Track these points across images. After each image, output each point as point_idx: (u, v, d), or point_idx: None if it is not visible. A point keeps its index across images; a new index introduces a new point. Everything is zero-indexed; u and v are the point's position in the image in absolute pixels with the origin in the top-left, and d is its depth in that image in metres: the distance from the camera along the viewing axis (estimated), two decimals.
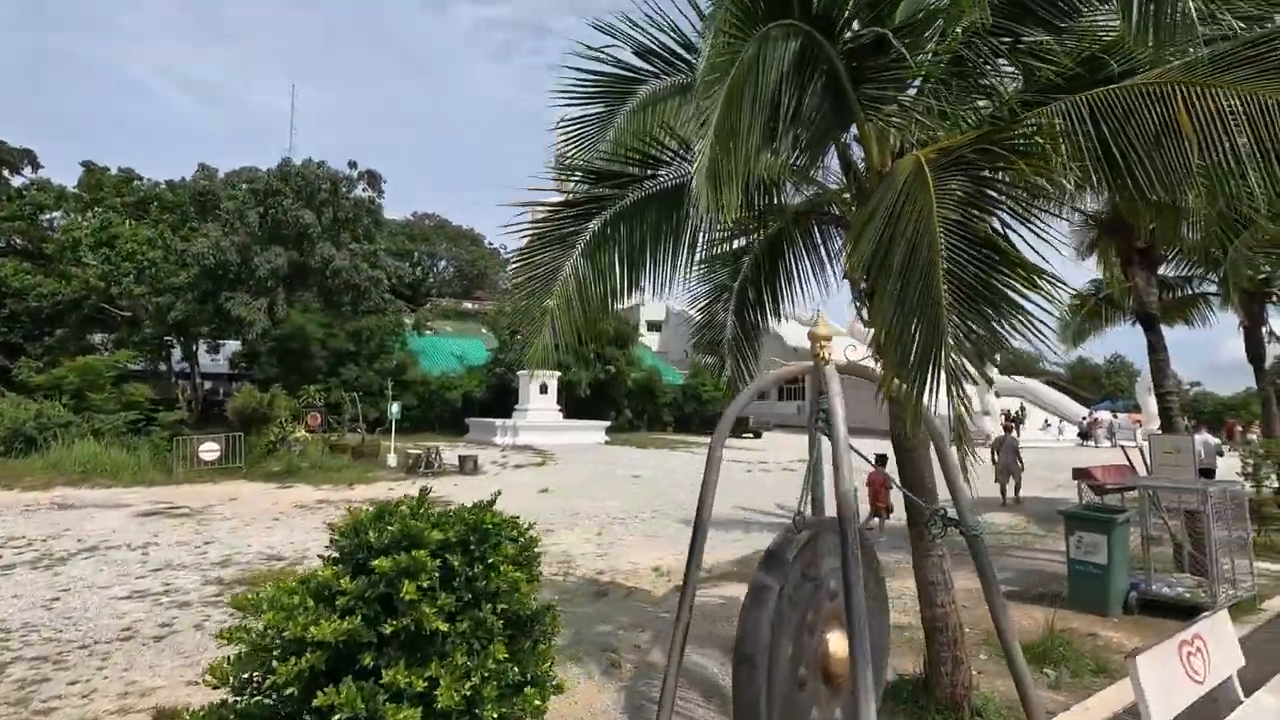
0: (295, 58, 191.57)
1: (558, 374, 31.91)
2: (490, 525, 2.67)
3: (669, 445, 29.50)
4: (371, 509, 2.70)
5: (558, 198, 5.64)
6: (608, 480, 16.80)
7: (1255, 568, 7.98)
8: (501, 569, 2.54)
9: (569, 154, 5.74)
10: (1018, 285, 3.22)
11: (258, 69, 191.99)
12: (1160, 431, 8.78)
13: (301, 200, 32.39)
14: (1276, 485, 11.49)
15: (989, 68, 4.35)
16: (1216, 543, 6.97)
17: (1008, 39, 4.24)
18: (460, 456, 18.17)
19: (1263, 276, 11.67)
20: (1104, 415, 40.39)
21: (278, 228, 32.22)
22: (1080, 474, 7.45)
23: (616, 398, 38.43)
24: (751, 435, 37.91)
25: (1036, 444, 31.13)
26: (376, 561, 2.30)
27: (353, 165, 33.76)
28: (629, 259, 5.20)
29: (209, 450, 18.17)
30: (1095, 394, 56.99)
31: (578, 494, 14.38)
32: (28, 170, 39.15)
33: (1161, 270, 12.84)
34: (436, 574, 2.33)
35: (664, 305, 69.77)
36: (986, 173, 3.68)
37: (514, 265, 5.79)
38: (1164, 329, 14.15)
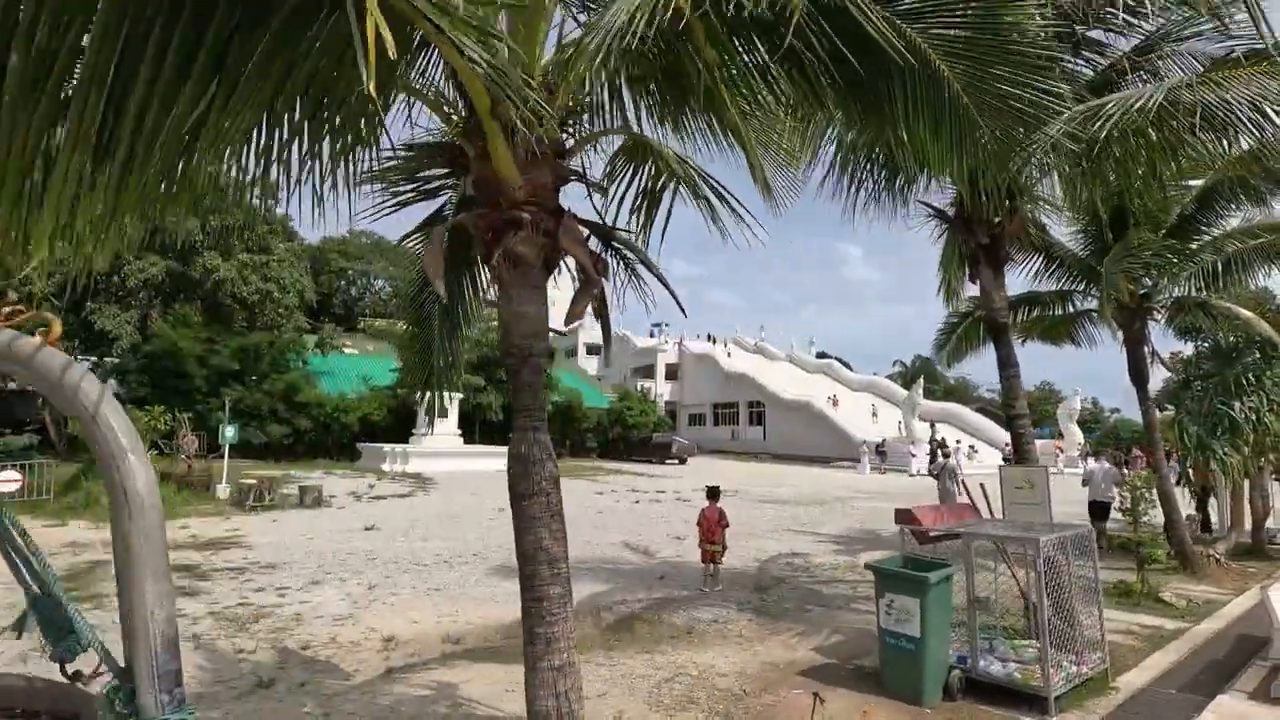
0: None
1: (459, 396, 29.81)
2: None
3: (582, 473, 27.65)
4: None
5: None
6: (463, 516, 14.91)
7: (1119, 627, 6.64)
8: None
9: None
10: None
11: None
12: (1012, 461, 7.44)
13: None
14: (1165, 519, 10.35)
15: None
16: (1059, 604, 5.56)
17: None
18: (301, 488, 16.04)
19: (1143, 291, 10.66)
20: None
21: (157, 235, 29.64)
22: (903, 516, 5.98)
23: None
24: (676, 461, 36.35)
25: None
26: None
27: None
28: None
29: (7, 480, 15.62)
30: None
31: (408, 533, 12.48)
32: None
33: (1044, 284, 11.82)
34: None
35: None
36: None
37: None
38: (1060, 348, 13.25)
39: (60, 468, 19.82)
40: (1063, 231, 11.18)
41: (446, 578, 9.06)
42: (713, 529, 8.87)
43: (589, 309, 4.36)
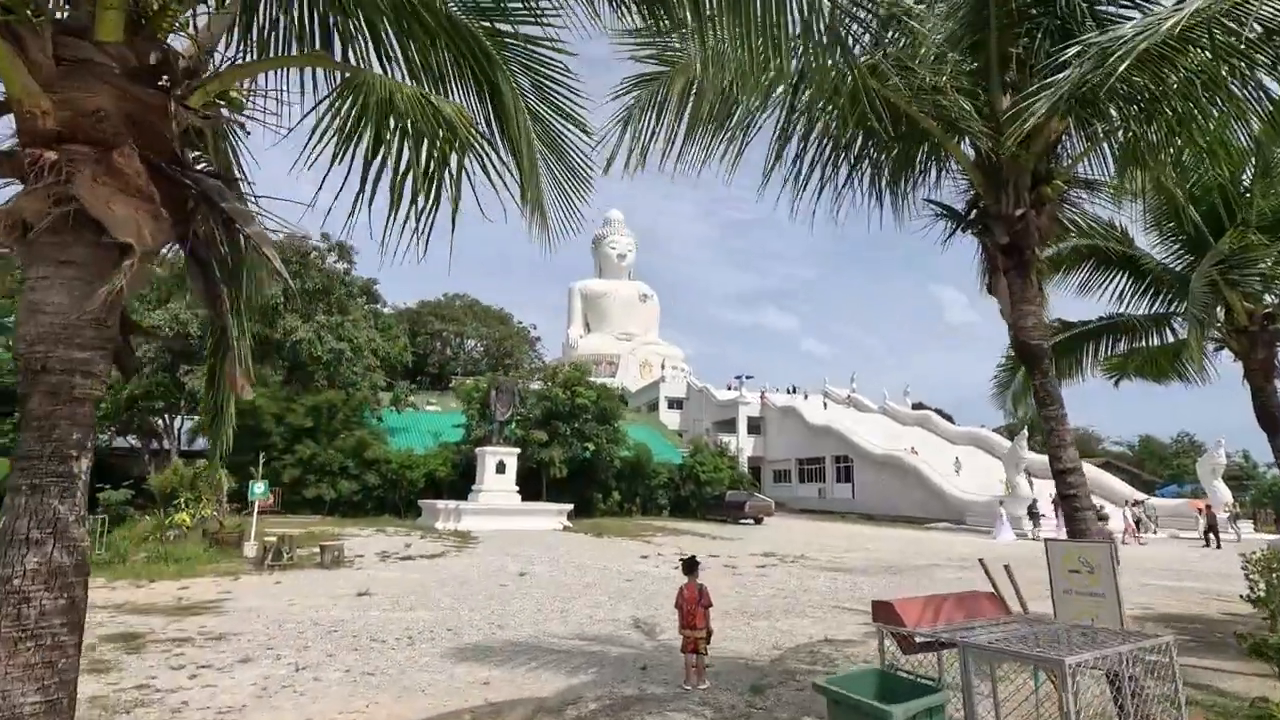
0: None
1: (516, 451, 29.32)
2: None
3: (640, 533, 26.08)
4: None
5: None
6: (476, 581, 13.83)
7: None
8: None
9: None
10: None
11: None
12: (1068, 535, 5.53)
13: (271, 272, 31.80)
14: None
15: None
16: None
17: None
18: (321, 547, 15.56)
19: (1266, 310, 8.28)
20: (1153, 501, 34.81)
21: (247, 300, 31.54)
22: (881, 611, 4.31)
23: (604, 479, 35.37)
24: (751, 521, 33.90)
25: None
26: None
27: (325, 237, 33.25)
28: None
29: None
30: (1162, 476, 50.37)
31: (398, 602, 11.51)
32: None
33: (1136, 306, 9.64)
34: None
35: (685, 381, 67.05)
36: None
37: None
38: (1156, 384, 10.75)
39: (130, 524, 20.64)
40: (1151, 239, 9.09)
41: (392, 659, 7.91)
42: (693, 612, 7.28)
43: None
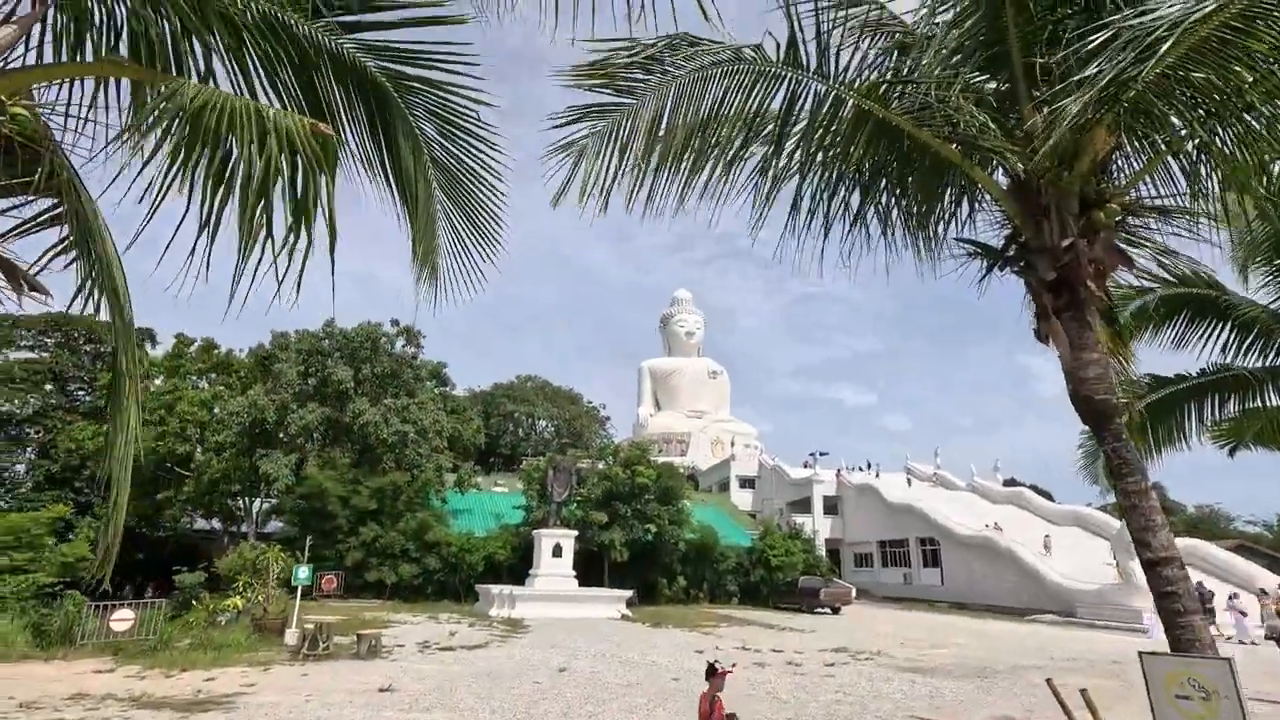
0: None
1: (573, 534, 28.41)
2: None
3: (700, 623, 24.35)
4: None
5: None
6: (509, 678, 12.85)
7: None
8: None
9: None
10: None
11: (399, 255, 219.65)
12: (1170, 646, 4.28)
13: (343, 358, 33.17)
14: None
15: None
16: None
17: None
18: (358, 635, 15.01)
19: None
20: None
21: (320, 385, 32.89)
22: None
23: (667, 562, 33.80)
24: (827, 610, 31.22)
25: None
26: None
27: (394, 323, 34.62)
28: None
29: (121, 620, 16.33)
30: None
31: (416, 701, 10.70)
32: (147, 345, 44.00)
33: (1248, 359, 8.24)
34: None
35: (756, 459, 64.78)
36: None
37: None
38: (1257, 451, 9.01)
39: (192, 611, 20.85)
40: (1257, 274, 7.80)
41: None
42: None
43: None
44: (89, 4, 2.79)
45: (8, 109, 2.55)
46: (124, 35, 2.97)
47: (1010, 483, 53.52)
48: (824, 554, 42.16)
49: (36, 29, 2.83)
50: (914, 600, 39.86)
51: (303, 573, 16.32)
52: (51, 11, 2.90)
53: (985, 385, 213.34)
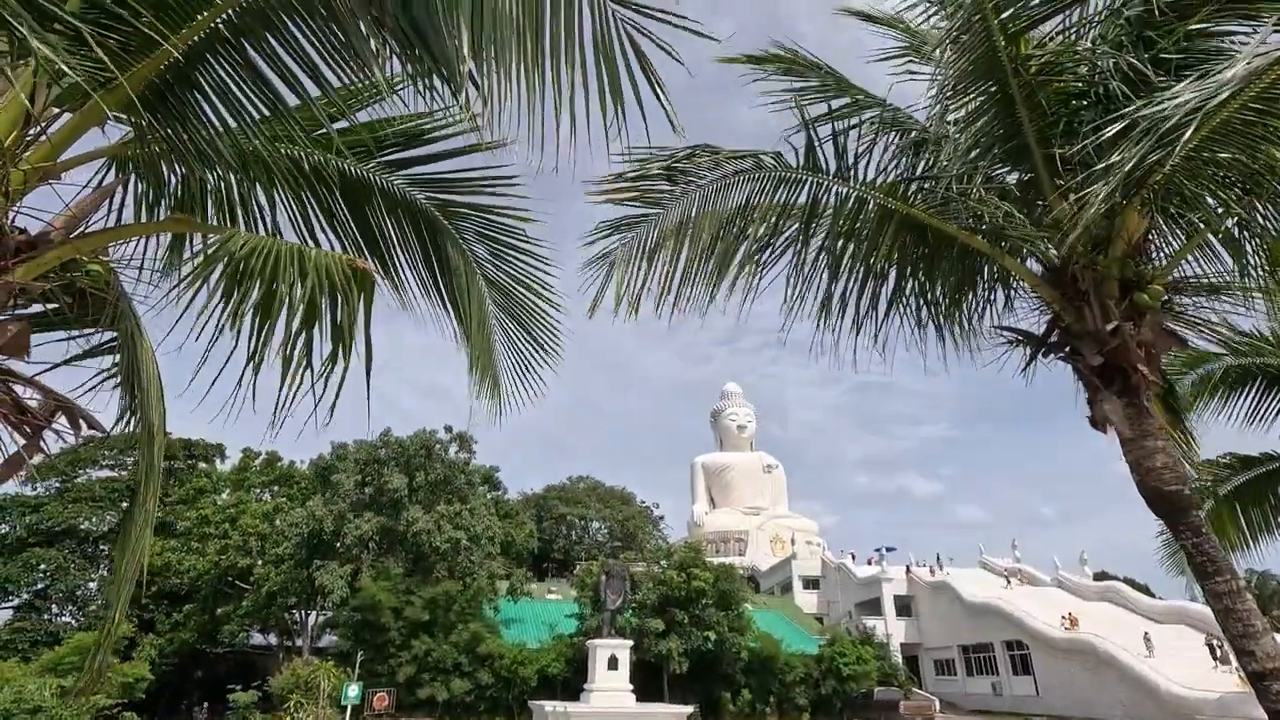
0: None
1: (629, 644, 27.12)
2: None
3: None
4: None
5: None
6: None
7: None
8: None
9: None
10: None
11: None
12: None
13: (399, 466, 33.78)
14: None
15: None
16: None
17: None
18: None
19: None
20: None
21: (376, 494, 33.41)
22: None
23: (730, 674, 31.84)
24: None
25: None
26: None
27: (448, 429, 35.30)
28: None
29: None
30: None
31: None
32: (217, 461, 45.76)
33: None
34: None
35: (819, 559, 61.74)
36: None
37: None
38: None
39: None
40: None
41: None
42: None
43: None
44: (165, 172, 3.16)
45: (84, 266, 2.86)
46: (191, 190, 3.35)
47: (1101, 576, 49.34)
48: (900, 660, 39.05)
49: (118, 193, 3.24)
50: (1006, 714, 36.17)
51: (353, 691, 15.98)
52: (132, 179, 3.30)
53: (1059, 469, 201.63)
